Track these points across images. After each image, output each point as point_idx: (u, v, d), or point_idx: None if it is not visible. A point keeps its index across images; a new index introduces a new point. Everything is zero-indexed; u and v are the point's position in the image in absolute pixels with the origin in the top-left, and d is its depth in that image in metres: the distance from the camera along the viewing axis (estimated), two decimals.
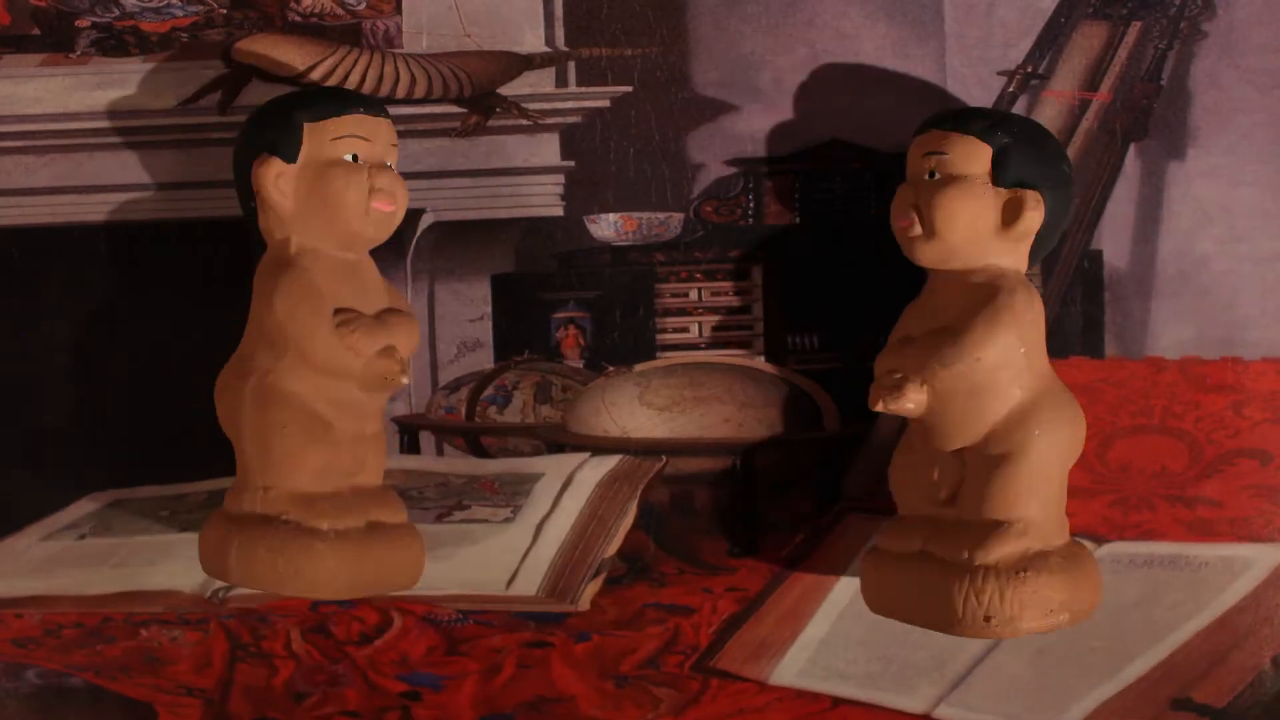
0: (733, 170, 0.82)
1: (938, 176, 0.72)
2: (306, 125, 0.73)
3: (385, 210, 0.73)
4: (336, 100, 0.74)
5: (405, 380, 0.73)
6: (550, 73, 0.82)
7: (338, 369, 0.72)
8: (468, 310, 0.83)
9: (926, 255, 0.73)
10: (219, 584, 0.81)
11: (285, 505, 0.72)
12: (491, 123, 0.82)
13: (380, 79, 0.82)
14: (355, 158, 0.73)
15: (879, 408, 0.72)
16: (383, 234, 0.74)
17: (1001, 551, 0.70)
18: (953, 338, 0.71)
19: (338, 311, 0.72)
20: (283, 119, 0.73)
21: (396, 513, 0.75)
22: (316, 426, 0.72)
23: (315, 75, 0.81)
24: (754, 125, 0.82)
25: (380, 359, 0.72)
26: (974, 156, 0.72)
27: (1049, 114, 0.82)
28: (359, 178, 0.72)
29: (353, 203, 0.72)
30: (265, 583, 0.73)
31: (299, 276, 0.72)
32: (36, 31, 0.82)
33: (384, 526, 0.74)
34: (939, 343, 0.71)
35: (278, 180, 0.72)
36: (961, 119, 0.73)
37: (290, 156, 0.73)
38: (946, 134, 0.72)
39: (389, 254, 0.79)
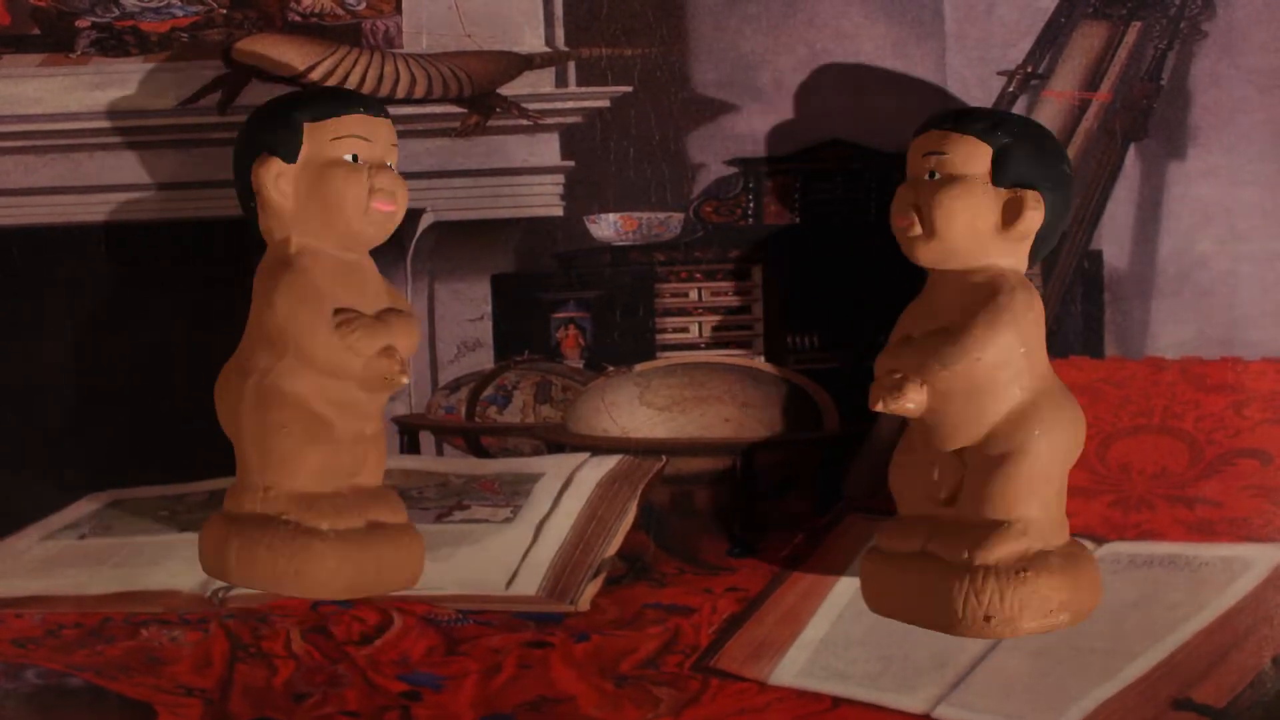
0: (733, 170, 0.82)
1: (938, 176, 0.72)
2: (306, 125, 0.73)
3: (385, 210, 0.73)
4: (336, 100, 0.74)
5: (405, 380, 0.73)
6: (550, 73, 0.82)
7: (338, 369, 0.72)
8: (468, 310, 0.83)
9: (926, 255, 0.73)
10: (219, 584, 0.81)
11: (285, 505, 0.72)
12: (491, 123, 0.82)
13: (380, 79, 0.82)
14: (355, 158, 0.73)
15: (879, 408, 0.72)
16: (383, 234, 0.74)
17: (1001, 551, 0.70)
18: (953, 338, 0.71)
19: (338, 311, 0.72)
20: (282, 119, 0.73)
21: (397, 513, 0.75)
22: (317, 426, 0.72)
23: (315, 75, 0.81)
24: (754, 125, 0.82)
25: (380, 359, 0.72)
26: (974, 156, 0.72)
27: (1049, 114, 0.82)
28: (359, 178, 0.72)
29: (352, 202, 0.72)
30: (265, 583, 0.73)
31: (299, 276, 0.72)
32: (36, 31, 0.82)
33: (384, 526, 0.74)
34: (939, 343, 0.71)
35: (278, 180, 0.72)
36: (962, 119, 0.73)
37: (290, 156, 0.73)
38: (946, 134, 0.72)
39: (389, 254, 0.79)
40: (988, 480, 0.71)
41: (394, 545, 0.74)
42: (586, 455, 0.83)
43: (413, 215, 0.81)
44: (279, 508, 0.72)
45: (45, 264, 0.82)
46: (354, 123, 0.73)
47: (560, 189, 0.82)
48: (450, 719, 0.82)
